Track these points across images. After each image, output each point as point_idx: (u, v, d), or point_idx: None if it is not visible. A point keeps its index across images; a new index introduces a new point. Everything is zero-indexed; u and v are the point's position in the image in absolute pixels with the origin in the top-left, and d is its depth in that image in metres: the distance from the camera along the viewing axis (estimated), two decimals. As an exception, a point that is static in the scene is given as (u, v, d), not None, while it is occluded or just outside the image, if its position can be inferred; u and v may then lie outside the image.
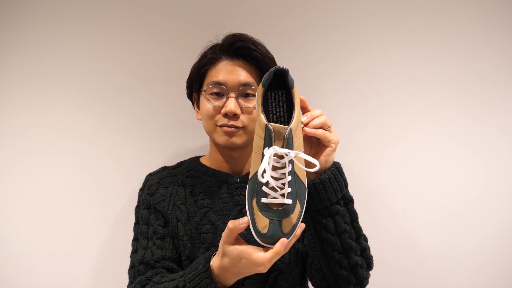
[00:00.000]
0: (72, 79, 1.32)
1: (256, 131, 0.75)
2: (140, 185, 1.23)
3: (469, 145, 1.31)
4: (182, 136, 1.34)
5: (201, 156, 1.13)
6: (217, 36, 1.03)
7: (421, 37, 1.32)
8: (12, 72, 1.31)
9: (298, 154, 0.71)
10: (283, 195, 0.71)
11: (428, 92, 1.32)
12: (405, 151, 1.32)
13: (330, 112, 1.33)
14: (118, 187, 1.32)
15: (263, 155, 0.71)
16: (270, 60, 1.00)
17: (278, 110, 0.81)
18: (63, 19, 1.32)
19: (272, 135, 0.71)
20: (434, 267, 1.31)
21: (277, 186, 0.71)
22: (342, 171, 0.90)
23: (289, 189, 0.70)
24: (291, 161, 0.72)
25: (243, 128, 0.97)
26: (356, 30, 1.33)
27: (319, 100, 1.31)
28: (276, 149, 0.70)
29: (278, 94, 0.81)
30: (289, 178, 0.71)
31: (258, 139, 0.74)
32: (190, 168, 1.08)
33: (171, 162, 1.28)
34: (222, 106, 0.95)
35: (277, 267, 0.99)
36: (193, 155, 1.18)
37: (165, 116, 1.34)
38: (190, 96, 1.11)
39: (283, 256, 0.95)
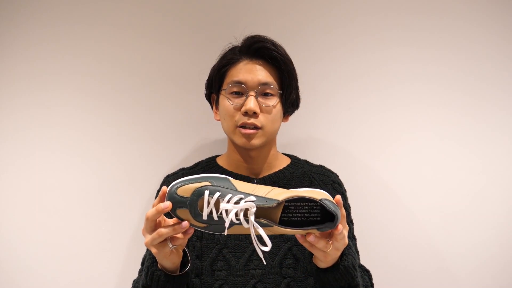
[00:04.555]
0: (74, 78, 1.31)
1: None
2: (144, 185, 1.22)
3: (470, 144, 1.31)
4: (187, 135, 1.33)
5: (218, 156, 1.13)
6: (236, 38, 1.05)
7: (421, 36, 1.32)
8: (15, 71, 1.30)
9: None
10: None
11: (429, 91, 1.32)
12: (405, 150, 1.32)
13: (330, 111, 1.34)
14: (122, 188, 1.31)
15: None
16: (289, 62, 1.02)
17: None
18: (71, 18, 1.30)
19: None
20: (434, 267, 1.31)
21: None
22: (350, 271, 0.85)
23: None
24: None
25: (262, 128, 0.98)
26: (356, 29, 1.33)
27: (319, 99, 1.31)
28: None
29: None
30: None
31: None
32: (207, 169, 1.08)
33: (175, 162, 1.27)
34: (242, 105, 0.98)
35: (291, 274, 0.99)
36: (198, 155, 1.16)
37: (170, 115, 1.32)
38: (208, 97, 1.12)
39: (297, 263, 0.98)
